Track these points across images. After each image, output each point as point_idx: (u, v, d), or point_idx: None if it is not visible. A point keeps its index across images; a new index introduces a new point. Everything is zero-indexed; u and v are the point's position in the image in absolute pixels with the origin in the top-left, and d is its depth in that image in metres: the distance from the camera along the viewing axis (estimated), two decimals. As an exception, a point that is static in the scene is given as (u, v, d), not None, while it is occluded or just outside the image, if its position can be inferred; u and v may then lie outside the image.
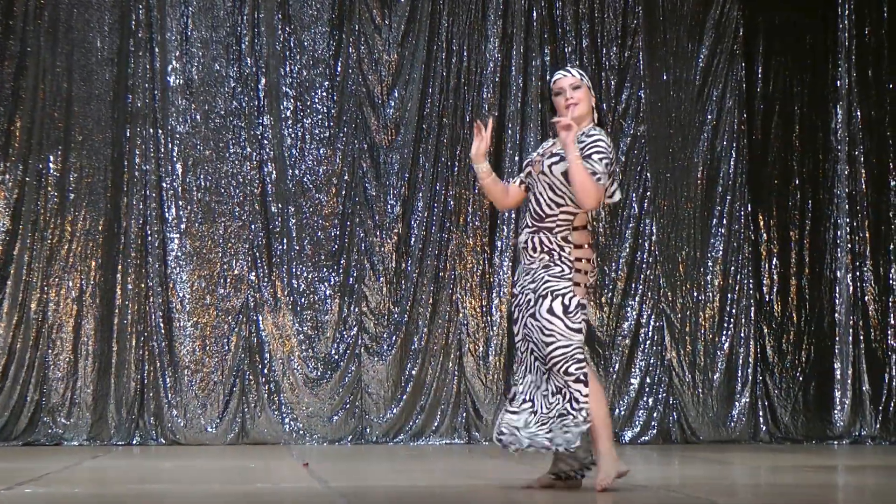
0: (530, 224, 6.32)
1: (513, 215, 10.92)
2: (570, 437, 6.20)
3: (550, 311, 6.17)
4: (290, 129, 10.84)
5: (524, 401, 6.39)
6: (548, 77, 6.46)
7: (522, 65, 11.05)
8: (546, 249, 6.23)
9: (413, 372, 10.79)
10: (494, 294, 10.92)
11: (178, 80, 10.70)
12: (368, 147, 10.95)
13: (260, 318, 10.65)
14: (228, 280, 10.65)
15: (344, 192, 10.88)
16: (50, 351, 10.43)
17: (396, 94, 11.01)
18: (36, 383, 10.39)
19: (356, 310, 10.79)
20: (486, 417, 10.76)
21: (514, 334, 6.48)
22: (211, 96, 10.76)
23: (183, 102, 10.71)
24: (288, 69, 10.87)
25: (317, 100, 10.90)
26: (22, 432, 10.32)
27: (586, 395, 6.15)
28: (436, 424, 10.76)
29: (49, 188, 10.56)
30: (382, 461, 9.07)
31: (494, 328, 10.89)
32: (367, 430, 10.69)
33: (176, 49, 10.71)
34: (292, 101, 10.86)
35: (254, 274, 10.68)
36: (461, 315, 10.88)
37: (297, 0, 10.90)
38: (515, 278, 6.49)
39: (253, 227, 10.72)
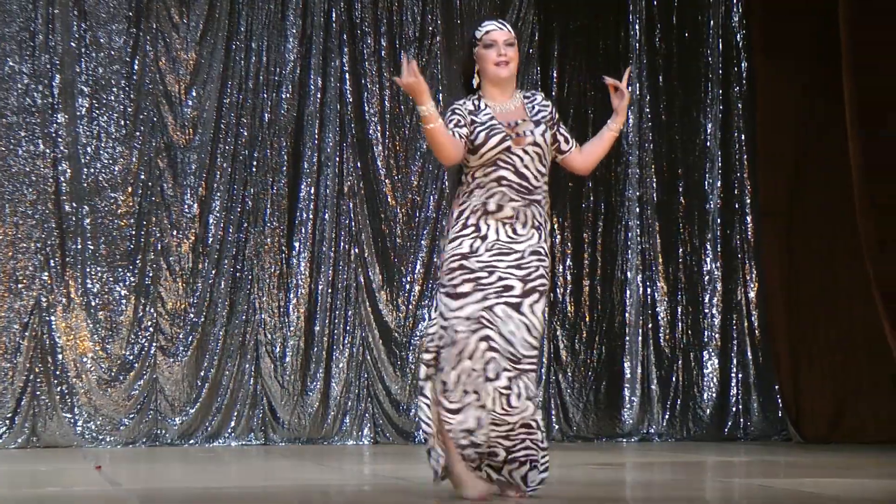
0: (517, 197, 5.76)
1: (310, 216, 10.93)
2: (535, 477, 5.71)
3: (543, 313, 5.70)
4: (86, 127, 10.66)
5: (465, 392, 5.61)
6: (477, 30, 6.01)
7: (321, 65, 11.08)
8: (536, 224, 5.77)
9: (209, 373, 10.71)
10: (292, 294, 10.92)
11: (-33, 76, 10.44)
12: (165, 146, 10.84)
13: (52, 318, 10.44)
14: (20, 280, 10.41)
15: (140, 192, 10.74)
16: None
17: (194, 93, 10.92)
18: None
19: (152, 310, 10.66)
20: (282, 418, 10.75)
21: (452, 310, 5.66)
22: (3, 92, 10.51)
23: (-28, 99, 10.45)
24: (83, 66, 10.68)
25: (113, 97, 10.75)
26: None
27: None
28: (232, 425, 10.70)
29: None
30: (177, 463, 9.01)
31: (292, 328, 10.88)
32: (163, 432, 10.58)
33: (-35, 44, 10.45)
34: (88, 98, 10.69)
35: (46, 274, 10.47)
36: (258, 316, 10.85)
37: (94, -4, 10.73)
38: (471, 250, 5.78)
39: (45, 226, 10.50)
